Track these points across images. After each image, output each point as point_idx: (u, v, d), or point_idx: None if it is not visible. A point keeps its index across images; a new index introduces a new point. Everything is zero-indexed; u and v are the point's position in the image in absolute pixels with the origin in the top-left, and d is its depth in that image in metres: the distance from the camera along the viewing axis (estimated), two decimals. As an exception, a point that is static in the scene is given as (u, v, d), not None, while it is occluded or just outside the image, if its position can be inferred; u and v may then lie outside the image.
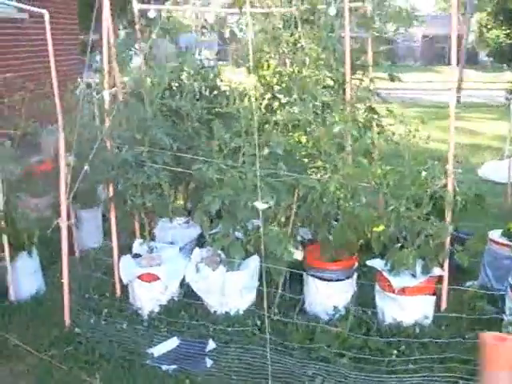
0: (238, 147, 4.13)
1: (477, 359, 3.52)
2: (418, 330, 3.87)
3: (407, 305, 3.94)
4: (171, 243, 4.68)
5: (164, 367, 3.68)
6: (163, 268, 4.16)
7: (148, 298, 4.18)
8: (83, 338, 3.92)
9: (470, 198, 4.22)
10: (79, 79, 6.81)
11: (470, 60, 25.18)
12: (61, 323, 4.10)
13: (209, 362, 3.75)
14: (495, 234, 4.63)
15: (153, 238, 4.72)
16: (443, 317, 4.03)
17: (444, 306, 4.14)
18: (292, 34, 5.09)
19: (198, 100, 4.83)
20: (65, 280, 3.97)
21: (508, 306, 3.87)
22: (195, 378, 3.58)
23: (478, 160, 9.47)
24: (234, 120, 4.24)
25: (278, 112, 4.30)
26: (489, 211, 5.70)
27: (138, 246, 4.44)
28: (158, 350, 3.83)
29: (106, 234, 5.35)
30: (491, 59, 24.09)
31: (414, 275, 3.96)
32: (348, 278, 4.22)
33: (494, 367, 1.86)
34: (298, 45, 5.26)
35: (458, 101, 17.86)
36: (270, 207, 3.79)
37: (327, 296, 4.22)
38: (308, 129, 4.13)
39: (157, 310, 4.19)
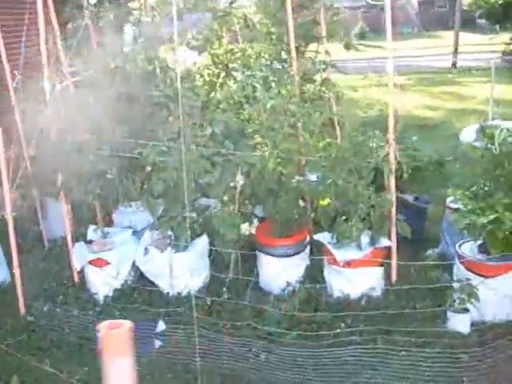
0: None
1: (423, 330, 3.57)
2: (363, 303, 3.87)
3: (353, 278, 3.93)
4: (129, 227, 4.71)
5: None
6: (113, 253, 4.21)
7: (101, 283, 4.24)
8: (36, 325, 4.00)
9: (417, 166, 4.18)
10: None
11: (468, 23, 24.66)
12: (17, 313, 4.18)
13: (157, 343, 3.81)
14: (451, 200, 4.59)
15: (110, 224, 4.76)
16: (394, 289, 4.04)
17: (394, 277, 4.13)
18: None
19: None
20: (16, 270, 4.04)
21: (455, 273, 3.86)
22: (140, 358, 3.63)
23: (464, 124, 9.34)
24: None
25: (218, 90, 4.26)
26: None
27: (91, 232, 4.47)
28: (109, 333, 3.88)
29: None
30: (486, 21, 23.62)
31: (360, 248, 3.96)
32: (298, 253, 4.23)
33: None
34: (249, 21, 5.22)
35: (455, 65, 17.60)
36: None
37: (279, 272, 4.24)
38: (246, 106, 4.09)
39: (111, 294, 4.24)
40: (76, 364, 3.63)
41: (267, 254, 4.26)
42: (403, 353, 3.41)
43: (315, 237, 4.11)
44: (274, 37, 4.98)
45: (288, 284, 4.21)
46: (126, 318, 3.86)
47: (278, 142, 3.91)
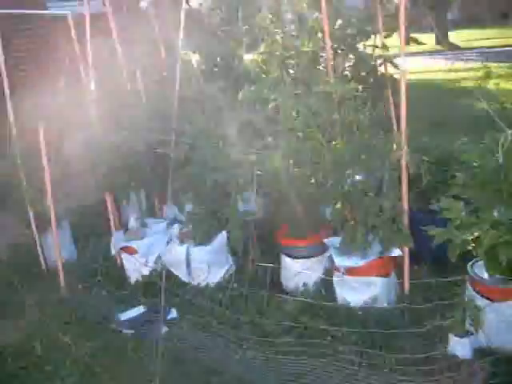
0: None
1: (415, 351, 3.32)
2: (360, 313, 3.70)
3: (356, 286, 3.78)
4: (175, 219, 5.01)
5: (124, 331, 4.07)
6: (142, 242, 4.53)
7: (131, 269, 4.59)
8: (70, 301, 4.48)
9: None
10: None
11: None
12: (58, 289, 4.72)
13: (164, 330, 4.04)
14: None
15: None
16: (403, 300, 3.80)
17: (406, 290, 3.87)
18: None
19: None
20: (56, 249, 4.56)
21: (466, 293, 3.51)
22: (143, 342, 3.90)
23: None
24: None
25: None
26: None
27: (132, 221, 4.84)
28: (126, 315, 4.22)
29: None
30: None
31: (365, 255, 3.78)
32: (313, 255, 4.16)
33: None
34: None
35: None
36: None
37: (295, 272, 4.22)
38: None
39: (140, 280, 4.57)
40: (88, 339, 4.00)
41: (284, 253, 4.28)
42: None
43: (325, 241, 4.01)
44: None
45: (304, 284, 4.18)
46: (145, 303, 4.29)
47: (290, 143, 3.88)
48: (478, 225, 2.90)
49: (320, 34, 4.61)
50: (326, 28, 4.29)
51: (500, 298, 3.25)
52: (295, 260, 4.21)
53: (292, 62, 4.44)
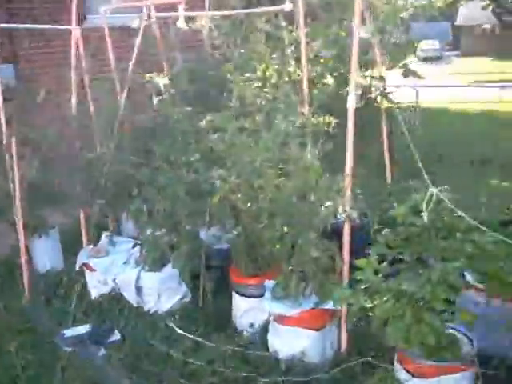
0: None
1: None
2: (283, 367, 3.46)
3: (286, 336, 3.55)
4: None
5: (64, 348, 4.08)
6: (101, 260, 4.53)
7: (92, 286, 4.60)
8: (29, 311, 4.55)
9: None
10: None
11: None
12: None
13: (102, 352, 4.00)
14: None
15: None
16: (338, 357, 3.53)
17: (343, 347, 3.58)
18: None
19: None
20: (22, 257, 4.67)
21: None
22: (81, 362, 3.87)
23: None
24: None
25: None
26: None
27: (103, 237, 4.87)
28: (70, 331, 4.22)
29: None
30: None
31: (300, 304, 3.54)
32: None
33: None
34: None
35: None
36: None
37: (243, 312, 4.05)
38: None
39: (99, 298, 4.57)
40: (30, 351, 4.04)
41: (235, 290, 4.11)
42: None
43: (265, 283, 3.81)
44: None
45: (251, 325, 4.00)
46: (94, 322, 4.28)
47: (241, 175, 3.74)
48: (381, 293, 2.62)
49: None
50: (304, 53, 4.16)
51: (420, 374, 2.92)
52: (244, 298, 4.04)
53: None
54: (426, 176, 2.81)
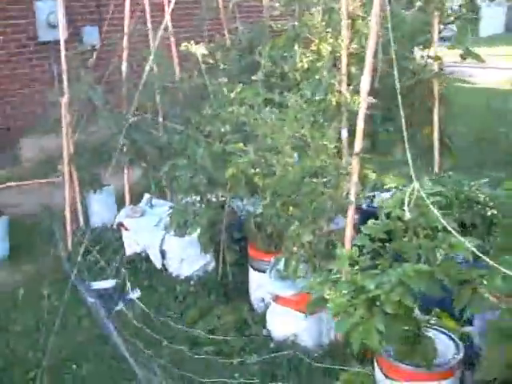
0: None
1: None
2: (272, 345, 3.43)
3: (280, 316, 3.50)
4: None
5: (88, 299, 4.33)
6: (134, 221, 4.71)
7: (126, 244, 4.81)
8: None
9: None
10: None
11: None
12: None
13: (119, 307, 4.21)
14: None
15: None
16: (333, 346, 3.42)
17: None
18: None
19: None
20: (67, 212, 4.97)
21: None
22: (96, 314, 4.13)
23: None
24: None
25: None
26: None
27: (144, 199, 5.04)
28: (97, 284, 4.47)
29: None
30: None
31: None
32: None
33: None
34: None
35: None
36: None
37: (257, 286, 4.04)
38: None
39: (132, 255, 4.78)
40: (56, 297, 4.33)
41: (250, 265, 4.11)
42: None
43: (272, 259, 3.76)
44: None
45: (262, 300, 4.00)
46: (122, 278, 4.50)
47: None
48: (341, 286, 2.50)
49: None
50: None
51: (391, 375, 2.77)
52: (257, 273, 4.03)
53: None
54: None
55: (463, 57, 4.43)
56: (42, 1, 7.56)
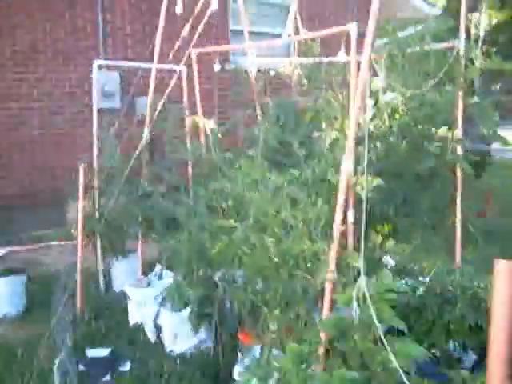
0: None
1: None
2: None
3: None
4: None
5: (80, 366, 4.27)
6: (136, 291, 4.67)
7: (130, 314, 4.76)
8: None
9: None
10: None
11: None
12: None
13: (106, 378, 4.12)
14: None
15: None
16: None
17: None
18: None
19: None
20: (78, 275, 5.03)
21: None
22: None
23: None
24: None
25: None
26: None
27: (155, 269, 5.01)
28: (93, 351, 4.42)
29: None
30: None
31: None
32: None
33: None
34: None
35: None
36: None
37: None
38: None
39: (134, 322, 4.71)
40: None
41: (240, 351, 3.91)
42: None
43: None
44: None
45: None
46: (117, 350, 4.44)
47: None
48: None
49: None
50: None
51: None
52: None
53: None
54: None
55: (489, 143, 4.17)
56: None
